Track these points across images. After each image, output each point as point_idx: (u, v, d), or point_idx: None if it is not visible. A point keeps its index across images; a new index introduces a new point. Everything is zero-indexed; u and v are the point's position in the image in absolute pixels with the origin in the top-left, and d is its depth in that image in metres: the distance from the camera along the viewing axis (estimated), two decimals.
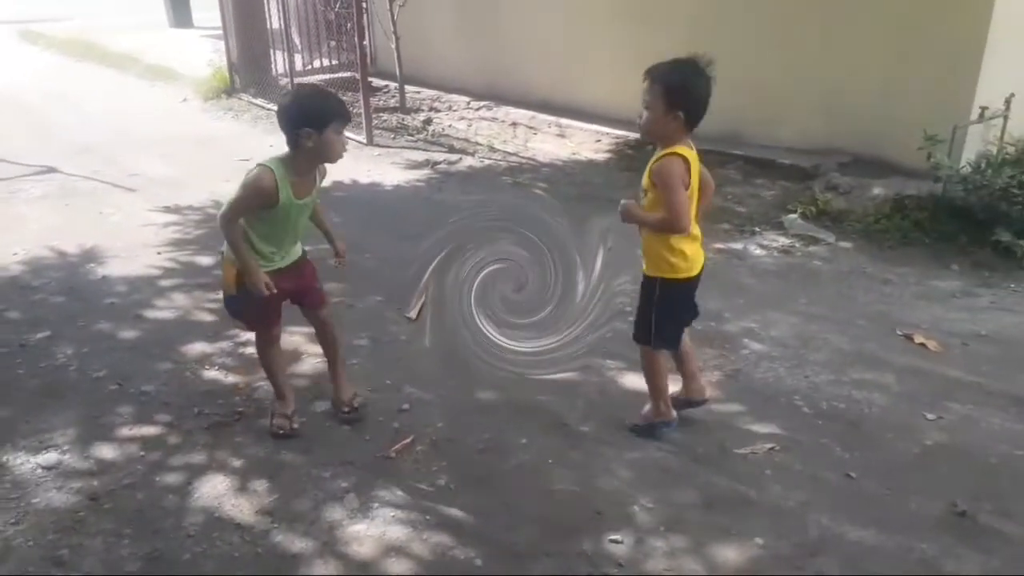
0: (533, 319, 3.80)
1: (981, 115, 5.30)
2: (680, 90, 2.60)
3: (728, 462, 2.89)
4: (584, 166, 6.78)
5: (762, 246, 4.98)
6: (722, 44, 6.45)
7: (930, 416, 3.15)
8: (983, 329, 3.86)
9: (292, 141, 2.75)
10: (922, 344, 3.70)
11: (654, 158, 2.71)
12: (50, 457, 2.90)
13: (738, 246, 4.98)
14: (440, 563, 2.41)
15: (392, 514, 2.62)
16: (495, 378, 3.44)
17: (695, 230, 2.80)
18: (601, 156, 7.00)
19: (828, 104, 6.01)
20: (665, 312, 2.86)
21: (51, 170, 6.81)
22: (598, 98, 7.60)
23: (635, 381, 3.40)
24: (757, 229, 5.21)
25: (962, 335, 3.80)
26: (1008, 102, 5.44)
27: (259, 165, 2.79)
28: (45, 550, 2.46)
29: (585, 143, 7.29)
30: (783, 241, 5.03)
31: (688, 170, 2.67)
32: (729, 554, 2.44)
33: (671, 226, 2.68)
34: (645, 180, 2.74)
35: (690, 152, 2.69)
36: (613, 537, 2.51)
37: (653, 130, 2.68)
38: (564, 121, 7.65)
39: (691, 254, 2.81)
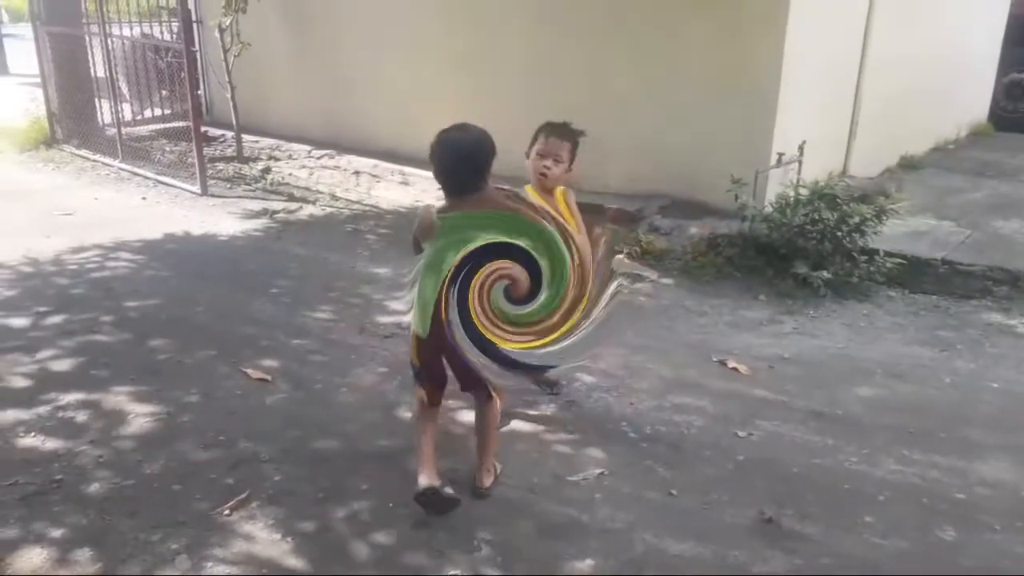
0: None
1: (778, 160, 5.92)
2: (576, 147, 3.35)
3: (561, 489, 3.03)
4: None
5: None
6: (555, 96, 6.91)
7: (741, 433, 3.45)
8: (787, 353, 4.28)
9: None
10: (735, 368, 4.05)
11: (562, 192, 3.37)
12: None
13: None
14: None
15: (227, 572, 2.55)
16: (336, 428, 3.44)
17: None
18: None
19: (649, 151, 6.49)
20: None
21: None
22: None
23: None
24: None
25: (769, 359, 4.19)
26: (801, 149, 6.12)
27: None
28: None
29: (429, 191, 7.42)
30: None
31: None
32: None
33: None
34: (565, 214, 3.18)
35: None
36: (453, 573, 2.57)
37: (560, 179, 3.33)
38: (408, 169, 7.77)
39: None
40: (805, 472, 3.20)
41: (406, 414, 3.55)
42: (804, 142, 6.15)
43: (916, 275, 5.20)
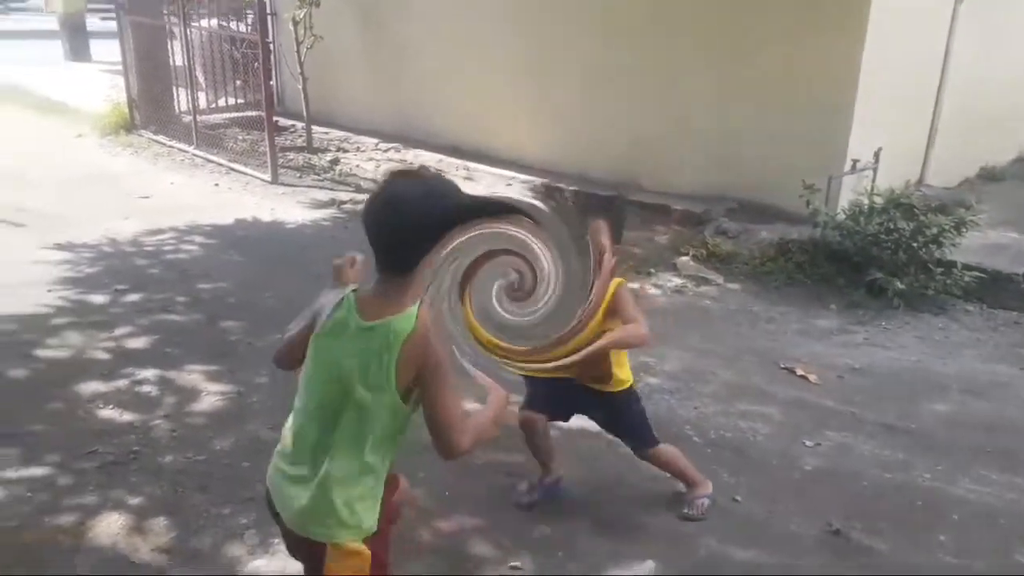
0: None
1: (853, 167, 5.77)
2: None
3: (624, 491, 3.01)
4: None
5: (657, 286, 5.23)
6: (620, 98, 6.89)
7: (809, 443, 3.38)
8: (858, 363, 4.17)
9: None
10: (803, 377, 3.97)
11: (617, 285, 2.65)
12: None
13: (635, 285, 5.20)
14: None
15: None
16: None
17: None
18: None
19: (718, 154, 6.40)
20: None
21: None
22: (505, 144, 7.82)
23: None
24: (652, 270, 5.47)
25: (839, 368, 4.09)
26: (876, 156, 5.95)
27: None
28: None
29: (494, 186, 7.47)
30: (676, 281, 5.30)
31: None
32: None
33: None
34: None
35: None
36: (513, 564, 2.58)
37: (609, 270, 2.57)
38: (472, 165, 7.81)
39: None
40: (875, 486, 3.12)
41: None
42: (880, 149, 5.98)
43: (995, 290, 5.01)
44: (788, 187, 5.58)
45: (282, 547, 2.57)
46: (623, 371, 2.74)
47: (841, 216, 5.38)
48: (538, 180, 7.31)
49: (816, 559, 2.67)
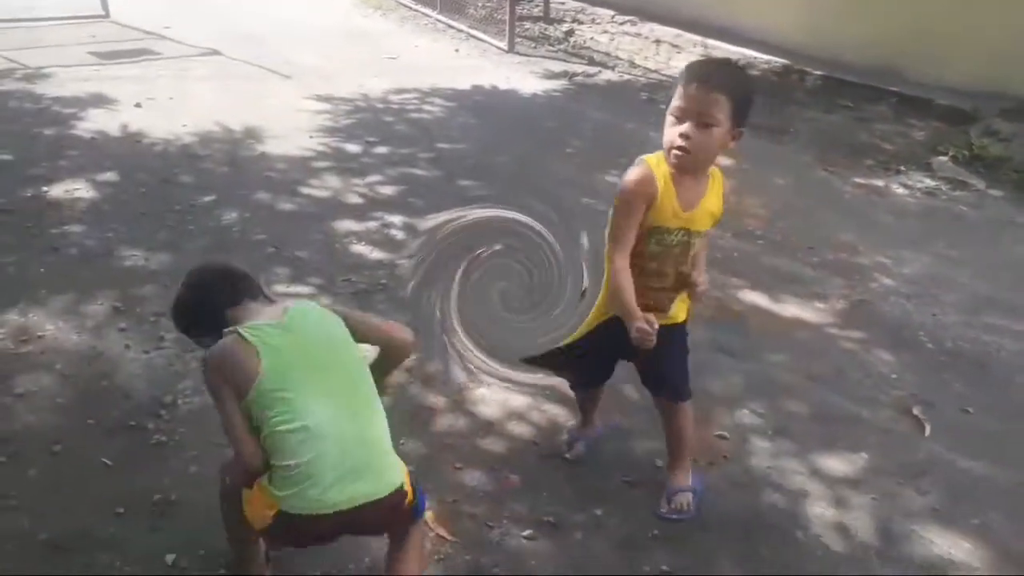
0: None
1: None
2: (749, 105, 2.00)
3: (843, 383, 2.94)
4: None
5: (905, 186, 4.81)
6: None
7: None
8: None
9: None
10: None
11: (715, 181, 2.11)
12: None
13: (879, 183, 4.84)
14: (554, 431, 2.61)
15: (515, 388, 2.84)
16: None
17: None
18: None
19: (999, 47, 5.60)
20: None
21: (214, 52, 7.26)
22: (749, 19, 7.34)
23: (755, 298, 3.46)
24: (902, 168, 5.03)
25: None
26: None
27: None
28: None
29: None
30: (928, 183, 4.85)
31: None
32: (832, 463, 2.53)
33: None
34: (717, 208, 2.12)
35: None
36: (720, 432, 2.64)
37: (712, 154, 2.01)
38: (711, 42, 7.44)
39: None
40: None
41: None
42: None
43: None
44: None
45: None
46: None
47: None
48: (780, 62, 6.84)
49: None
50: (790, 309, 3.42)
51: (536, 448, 2.54)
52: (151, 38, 7.67)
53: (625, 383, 2.70)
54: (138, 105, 5.65)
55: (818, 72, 6.57)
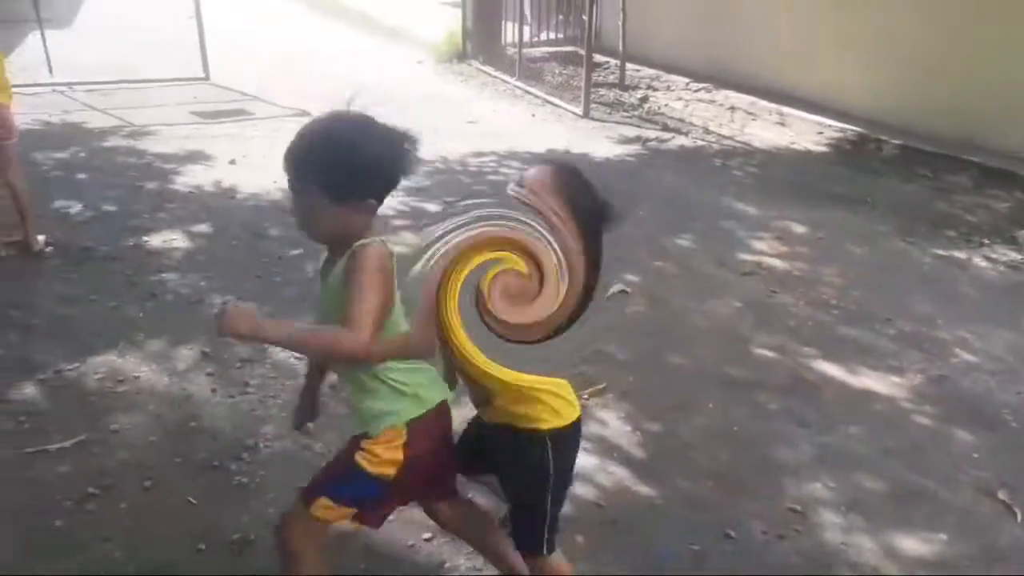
0: None
1: None
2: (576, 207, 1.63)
3: (920, 460, 2.86)
4: (801, 156, 6.65)
5: (988, 259, 4.70)
6: (962, 40, 6.13)
7: None
8: None
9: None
10: None
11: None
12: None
13: (961, 255, 4.74)
14: (620, 494, 2.63)
15: (582, 446, 2.86)
16: (687, 347, 3.59)
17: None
18: (820, 148, 6.82)
19: None
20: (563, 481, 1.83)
21: (304, 113, 7.64)
22: (822, 86, 7.36)
23: (829, 369, 3.43)
24: (985, 241, 4.92)
25: None
26: None
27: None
28: None
29: (805, 133, 7.11)
30: (1013, 256, 4.72)
31: None
32: (908, 543, 2.46)
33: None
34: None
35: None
36: (792, 505, 2.60)
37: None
38: (786, 109, 7.48)
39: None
40: None
41: (758, 350, 3.58)
42: None
43: None
44: None
45: None
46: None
47: None
48: (855, 130, 6.82)
49: None
50: (865, 381, 3.37)
51: (601, 511, 2.56)
52: (247, 99, 8.16)
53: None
54: (233, 162, 6.00)
55: (896, 141, 6.51)
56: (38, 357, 3.30)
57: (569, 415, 1.77)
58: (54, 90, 8.18)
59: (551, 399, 1.74)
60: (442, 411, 1.82)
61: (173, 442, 2.79)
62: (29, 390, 3.09)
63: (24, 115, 6.61)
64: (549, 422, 1.73)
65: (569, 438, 1.79)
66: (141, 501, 2.49)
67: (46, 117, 7.16)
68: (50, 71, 8.52)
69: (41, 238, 4.34)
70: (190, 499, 2.50)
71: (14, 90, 4.31)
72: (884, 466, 2.82)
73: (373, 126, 1.69)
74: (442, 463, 1.87)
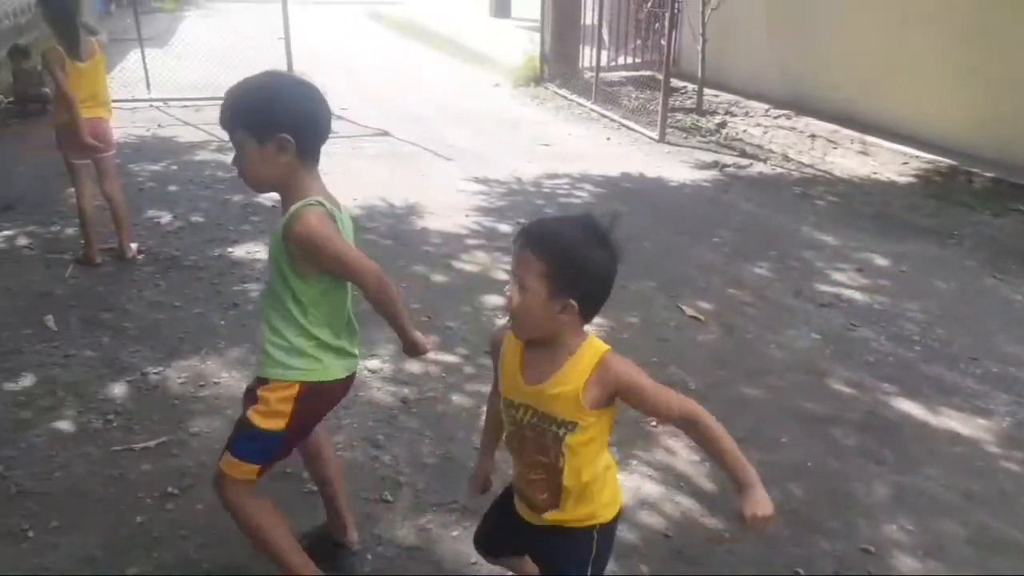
0: None
1: None
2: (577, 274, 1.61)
3: (1006, 508, 2.73)
4: (884, 187, 6.46)
5: None
6: None
7: None
8: None
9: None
10: None
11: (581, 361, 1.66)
12: (374, 363, 3.49)
13: None
14: (686, 525, 2.58)
15: (648, 473, 2.84)
16: (761, 378, 3.52)
17: None
18: (905, 179, 6.61)
19: None
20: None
21: (384, 133, 7.86)
22: (909, 116, 7.14)
23: (910, 407, 3.31)
24: None
25: None
26: None
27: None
28: (366, 433, 3.02)
29: (889, 163, 6.91)
30: None
31: None
32: None
33: None
34: (575, 393, 1.63)
35: None
36: (864, 546, 2.51)
37: (536, 325, 1.64)
38: (869, 138, 7.29)
39: None
40: None
41: (835, 385, 3.48)
42: None
43: None
44: None
45: (639, 469, 2.81)
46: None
47: None
48: (944, 161, 6.59)
49: None
50: (947, 421, 3.23)
51: (667, 541, 2.52)
52: None
53: None
54: None
55: (988, 173, 6.27)
56: (126, 359, 3.47)
57: (618, 501, 1.81)
58: (151, 105, 8.63)
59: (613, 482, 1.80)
60: (344, 384, 2.11)
61: None
62: (118, 390, 3.25)
63: (122, 129, 6.99)
64: (601, 517, 1.76)
65: (614, 528, 1.82)
66: (217, 503, 2.56)
67: (142, 131, 7.55)
68: (148, 87, 8.99)
69: (134, 246, 4.57)
70: None
71: (114, 105, 4.58)
72: (966, 512, 2.70)
73: (287, 75, 2.05)
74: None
